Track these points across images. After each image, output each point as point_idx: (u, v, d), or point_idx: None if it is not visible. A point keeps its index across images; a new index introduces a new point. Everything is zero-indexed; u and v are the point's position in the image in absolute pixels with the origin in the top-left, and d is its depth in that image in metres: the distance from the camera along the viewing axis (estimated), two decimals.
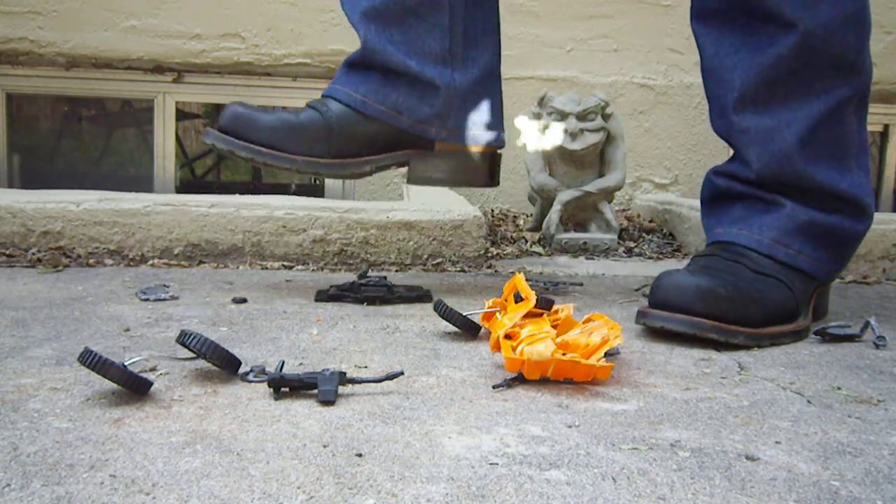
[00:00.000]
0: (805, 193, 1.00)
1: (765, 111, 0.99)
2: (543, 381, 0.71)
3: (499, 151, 1.19)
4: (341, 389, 0.67)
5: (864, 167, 1.04)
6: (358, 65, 1.13)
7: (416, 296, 1.10)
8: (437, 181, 1.15)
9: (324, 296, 1.09)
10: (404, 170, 1.24)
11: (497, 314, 0.87)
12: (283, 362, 0.71)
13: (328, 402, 0.64)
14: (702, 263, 0.96)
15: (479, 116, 1.14)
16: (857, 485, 0.51)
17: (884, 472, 0.54)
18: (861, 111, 1.06)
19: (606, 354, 0.73)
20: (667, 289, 0.90)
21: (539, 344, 0.70)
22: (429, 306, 1.07)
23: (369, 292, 1.07)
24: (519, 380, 0.71)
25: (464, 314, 0.88)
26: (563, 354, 0.70)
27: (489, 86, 1.15)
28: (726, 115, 1.02)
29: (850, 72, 1.02)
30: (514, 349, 0.71)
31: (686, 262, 1.66)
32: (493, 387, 0.70)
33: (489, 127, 1.15)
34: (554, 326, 0.79)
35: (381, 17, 1.09)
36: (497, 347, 0.76)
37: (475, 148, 1.15)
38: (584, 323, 0.79)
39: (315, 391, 0.65)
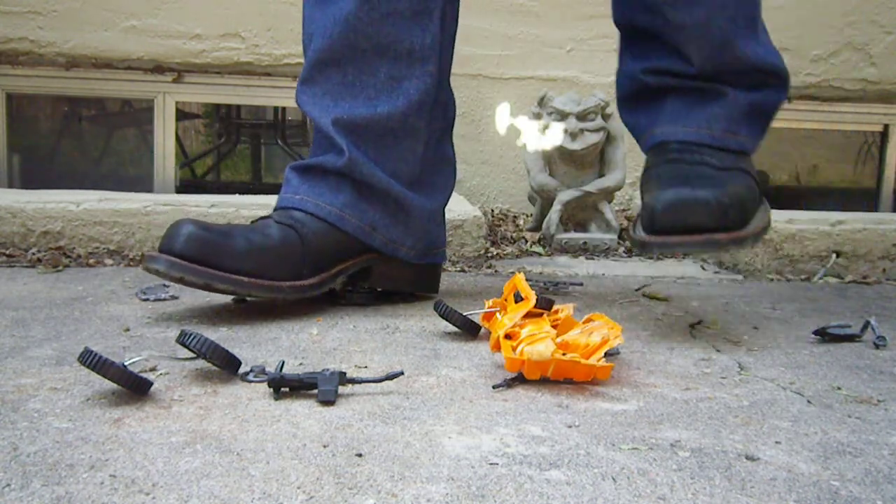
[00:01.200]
0: (743, 75, 1.00)
1: (695, 1, 0.97)
2: (543, 381, 0.71)
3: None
4: (341, 389, 0.67)
5: (766, 29, 1.04)
6: (324, 173, 1.05)
7: (409, 294, 1.11)
8: (402, 289, 1.13)
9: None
10: None
11: (497, 314, 0.87)
12: (283, 362, 0.71)
13: (328, 402, 0.64)
14: (674, 172, 0.94)
15: (439, 239, 1.14)
16: (857, 485, 0.51)
17: (884, 472, 0.54)
18: None
19: (606, 354, 0.73)
20: (674, 208, 0.86)
21: (539, 344, 0.70)
22: (429, 306, 1.07)
23: (359, 299, 1.08)
24: (519, 380, 0.71)
25: (464, 314, 0.88)
26: (563, 354, 0.70)
27: (443, 212, 1.16)
28: (658, 10, 0.99)
29: None
30: (514, 349, 0.71)
31: (686, 262, 1.66)
32: (494, 387, 0.70)
33: (443, 245, 1.16)
34: (554, 326, 0.79)
35: (359, 131, 1.03)
36: (497, 347, 0.76)
37: (432, 265, 1.15)
38: (584, 323, 0.79)
39: (315, 391, 0.65)
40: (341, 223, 1.03)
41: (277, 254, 0.97)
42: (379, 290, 1.09)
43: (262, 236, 0.97)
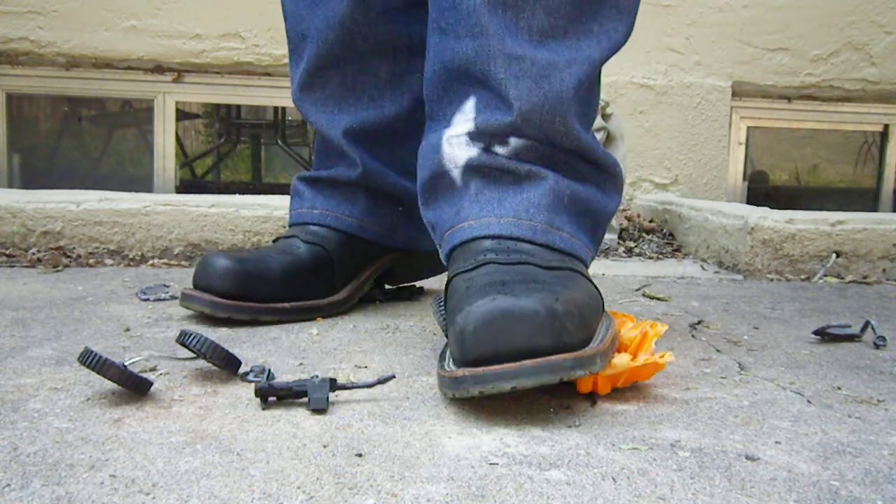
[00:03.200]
0: (566, 157, 0.81)
1: (543, 43, 0.79)
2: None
3: None
4: (340, 390, 0.67)
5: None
6: (337, 185, 1.05)
7: (408, 294, 1.12)
8: (422, 277, 1.15)
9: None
10: None
11: None
12: (270, 370, 0.71)
13: (320, 410, 0.62)
14: (488, 278, 0.69)
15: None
16: (857, 485, 0.51)
17: (884, 472, 0.54)
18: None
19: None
20: (492, 326, 0.61)
21: (615, 356, 0.67)
22: (427, 305, 1.07)
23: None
24: (593, 397, 0.68)
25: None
26: (634, 360, 0.68)
27: None
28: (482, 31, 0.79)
29: (627, 13, 0.84)
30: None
31: (686, 262, 1.66)
32: (592, 404, 0.66)
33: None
34: None
35: (371, 137, 1.03)
36: None
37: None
38: (625, 322, 0.79)
39: (305, 399, 0.64)
40: (363, 233, 1.04)
41: (311, 274, 0.98)
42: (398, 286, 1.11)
43: (293, 258, 0.97)
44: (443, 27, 0.82)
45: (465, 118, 0.81)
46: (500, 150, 0.80)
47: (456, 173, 0.81)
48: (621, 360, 0.67)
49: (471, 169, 0.80)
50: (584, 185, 0.82)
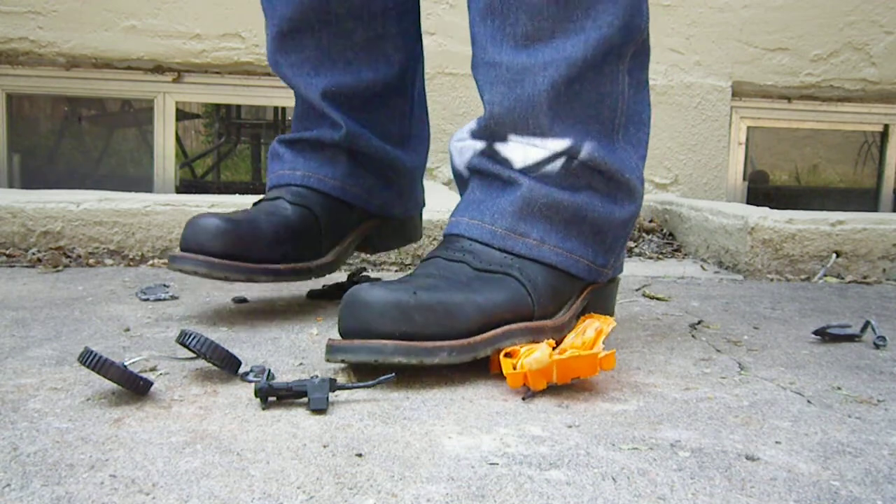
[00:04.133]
0: (552, 162, 0.82)
1: (527, 48, 0.81)
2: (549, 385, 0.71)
3: None
4: (340, 390, 0.67)
5: (633, 143, 0.88)
6: (320, 146, 1.04)
7: None
8: (395, 246, 1.17)
9: (315, 293, 1.11)
10: None
11: None
12: (270, 370, 0.71)
13: (320, 410, 0.62)
14: (418, 271, 0.80)
15: (418, 189, 1.16)
16: (857, 485, 0.51)
17: (884, 472, 0.54)
18: (639, 72, 0.89)
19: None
20: (356, 308, 0.71)
21: (535, 352, 0.69)
22: None
23: None
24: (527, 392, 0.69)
25: None
26: (561, 354, 0.69)
27: (426, 157, 1.16)
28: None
29: (624, 4, 0.82)
30: (514, 366, 0.69)
31: (686, 262, 1.66)
32: (524, 398, 0.68)
33: (422, 194, 1.18)
34: None
35: (349, 100, 1.03)
36: (497, 367, 0.74)
37: (413, 216, 1.18)
38: (576, 326, 0.79)
39: (305, 399, 0.64)
40: (344, 195, 1.04)
41: (301, 235, 0.98)
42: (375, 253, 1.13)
43: (282, 219, 0.97)
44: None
45: (472, 122, 0.88)
46: (494, 154, 0.84)
47: (465, 172, 0.89)
48: (542, 353, 0.67)
49: (469, 169, 0.87)
50: (572, 193, 0.83)
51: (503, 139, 0.83)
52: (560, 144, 0.82)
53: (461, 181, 0.90)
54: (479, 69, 0.84)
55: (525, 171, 0.82)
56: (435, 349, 0.70)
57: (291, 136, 1.07)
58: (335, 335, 0.89)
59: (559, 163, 0.82)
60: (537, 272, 0.80)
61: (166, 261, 1.39)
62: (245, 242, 0.91)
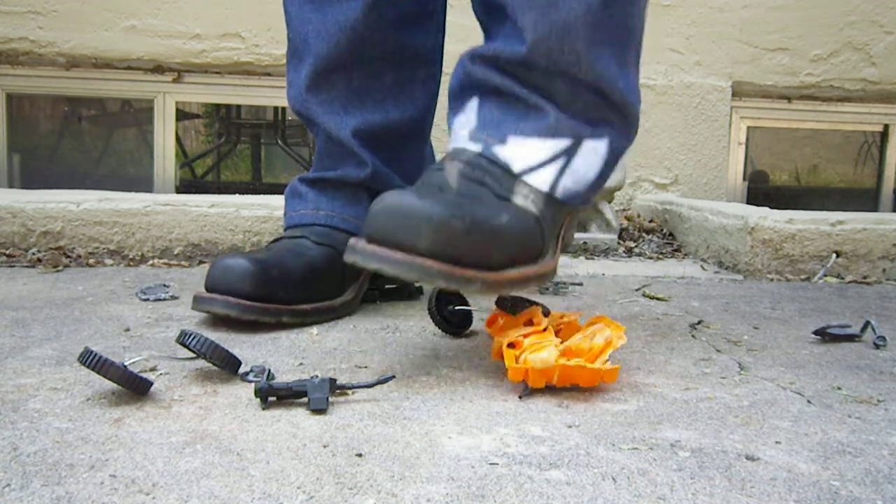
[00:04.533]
0: (575, 90, 0.80)
1: None
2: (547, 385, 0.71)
3: None
4: (340, 390, 0.67)
5: (637, 63, 0.87)
6: (343, 186, 1.05)
7: (408, 293, 1.12)
8: (398, 293, 1.15)
9: None
10: None
11: (499, 318, 0.84)
12: (270, 370, 0.71)
13: (320, 410, 0.62)
14: (435, 180, 0.76)
15: None
16: (857, 485, 0.51)
17: (884, 472, 0.54)
18: None
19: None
20: (389, 216, 0.68)
21: (542, 351, 0.68)
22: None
23: None
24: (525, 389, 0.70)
25: (454, 308, 0.88)
26: (568, 360, 0.69)
27: None
28: None
29: None
30: (517, 359, 0.70)
31: (686, 262, 1.66)
32: (520, 397, 0.68)
33: None
34: (557, 332, 0.78)
35: (378, 139, 1.04)
36: (499, 356, 0.75)
37: None
38: (586, 326, 0.79)
39: (305, 399, 0.64)
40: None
41: (325, 275, 0.98)
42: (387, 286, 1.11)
43: (308, 260, 0.97)
44: None
45: (489, 41, 0.84)
46: (515, 75, 0.80)
47: (474, 89, 0.84)
48: (549, 354, 0.67)
49: (485, 87, 0.82)
50: (593, 126, 0.81)
51: (534, 66, 0.79)
52: (590, 76, 0.79)
53: (463, 94, 0.85)
54: None
55: (553, 100, 0.80)
56: (472, 279, 0.69)
57: (315, 176, 1.07)
58: (335, 335, 0.89)
59: (589, 97, 0.80)
60: (548, 207, 0.79)
61: (166, 260, 1.39)
62: (274, 284, 0.91)
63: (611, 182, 1.81)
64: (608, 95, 0.81)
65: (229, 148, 3.29)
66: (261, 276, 0.91)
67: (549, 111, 0.80)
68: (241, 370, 0.71)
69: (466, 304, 0.90)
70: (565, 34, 0.78)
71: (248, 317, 0.89)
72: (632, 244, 1.83)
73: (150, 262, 1.39)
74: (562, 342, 0.73)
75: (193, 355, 0.74)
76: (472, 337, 0.90)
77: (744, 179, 2.48)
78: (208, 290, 0.91)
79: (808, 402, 0.70)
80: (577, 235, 1.79)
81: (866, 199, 2.60)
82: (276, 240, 1.04)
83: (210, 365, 0.72)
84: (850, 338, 0.94)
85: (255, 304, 0.90)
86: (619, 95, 0.82)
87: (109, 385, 0.66)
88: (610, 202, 1.85)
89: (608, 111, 0.82)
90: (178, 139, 2.55)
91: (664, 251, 1.79)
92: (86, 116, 2.60)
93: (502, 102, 0.81)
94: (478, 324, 0.94)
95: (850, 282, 1.47)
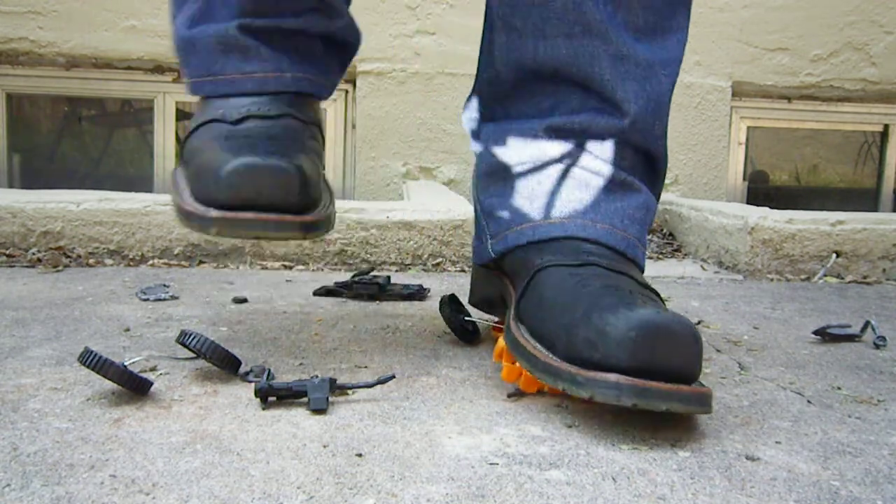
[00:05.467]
0: (651, 165, 0.77)
1: (639, 41, 0.74)
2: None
3: None
4: (340, 390, 0.67)
5: None
6: (309, 39, 0.84)
7: (410, 293, 1.12)
8: None
9: (322, 291, 1.13)
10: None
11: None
12: (270, 370, 0.71)
13: (320, 410, 0.62)
14: (607, 282, 0.66)
15: None
16: (857, 485, 0.51)
17: (884, 472, 0.54)
18: None
19: None
20: (660, 340, 0.58)
21: None
22: (427, 305, 1.07)
23: (362, 289, 1.11)
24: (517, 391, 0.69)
25: (465, 318, 0.87)
26: None
27: None
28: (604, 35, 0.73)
29: (689, 5, 0.82)
30: (513, 360, 0.69)
31: (686, 262, 1.66)
32: (509, 395, 0.68)
33: None
34: None
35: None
36: (500, 357, 0.74)
37: None
38: None
39: (305, 399, 0.64)
40: (322, 92, 0.88)
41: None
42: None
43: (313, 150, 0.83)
44: (517, 26, 0.75)
45: (560, 116, 0.75)
46: (597, 152, 0.74)
47: (543, 168, 0.75)
48: None
49: (562, 166, 0.74)
50: (655, 196, 0.79)
51: (627, 141, 0.74)
52: (659, 150, 0.77)
53: (535, 169, 0.75)
54: (602, 60, 0.73)
55: (640, 176, 0.75)
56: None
57: (263, 24, 0.80)
58: (335, 335, 0.89)
59: (654, 164, 0.78)
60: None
61: (166, 260, 1.39)
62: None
63: None
64: (661, 167, 0.79)
65: None
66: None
67: (641, 187, 0.75)
68: (241, 370, 0.71)
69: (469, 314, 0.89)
70: (658, 108, 0.74)
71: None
72: None
73: (150, 262, 1.39)
74: None
75: (193, 355, 0.74)
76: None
77: (744, 179, 2.48)
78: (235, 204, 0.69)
79: (808, 402, 0.70)
80: None
81: (866, 199, 2.60)
82: (242, 119, 0.77)
83: (210, 365, 0.72)
84: (850, 338, 0.94)
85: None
86: (664, 165, 0.79)
87: (109, 385, 0.66)
88: None
89: (659, 182, 0.80)
90: (178, 139, 2.55)
91: (664, 251, 1.79)
92: (86, 116, 2.60)
93: (586, 183, 0.74)
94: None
95: (850, 282, 1.47)
